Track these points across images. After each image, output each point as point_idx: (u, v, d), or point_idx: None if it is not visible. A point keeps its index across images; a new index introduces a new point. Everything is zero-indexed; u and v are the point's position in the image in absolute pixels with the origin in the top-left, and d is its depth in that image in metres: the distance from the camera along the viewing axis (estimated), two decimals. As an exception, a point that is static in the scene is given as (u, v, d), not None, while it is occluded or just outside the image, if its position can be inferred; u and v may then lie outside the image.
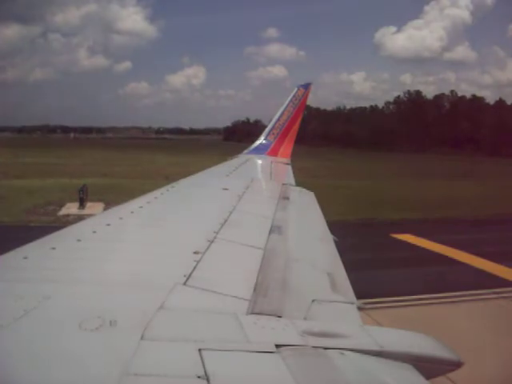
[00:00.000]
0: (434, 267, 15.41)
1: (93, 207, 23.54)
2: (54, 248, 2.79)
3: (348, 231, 15.52)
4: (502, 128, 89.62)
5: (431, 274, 14.49)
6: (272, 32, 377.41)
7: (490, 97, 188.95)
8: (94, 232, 3.20)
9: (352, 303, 2.60)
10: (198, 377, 1.50)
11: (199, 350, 1.67)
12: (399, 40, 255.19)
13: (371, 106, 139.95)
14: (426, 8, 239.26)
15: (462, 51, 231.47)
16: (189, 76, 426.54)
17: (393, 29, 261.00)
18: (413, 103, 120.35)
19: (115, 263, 2.69)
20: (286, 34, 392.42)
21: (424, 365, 1.92)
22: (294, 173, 8.81)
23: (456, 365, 2.06)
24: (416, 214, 24.78)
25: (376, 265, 15.07)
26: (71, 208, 24.10)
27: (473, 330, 9.89)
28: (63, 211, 23.67)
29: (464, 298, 12.39)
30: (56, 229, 3.37)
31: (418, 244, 18.55)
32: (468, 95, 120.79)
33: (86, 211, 22.43)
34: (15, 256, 2.64)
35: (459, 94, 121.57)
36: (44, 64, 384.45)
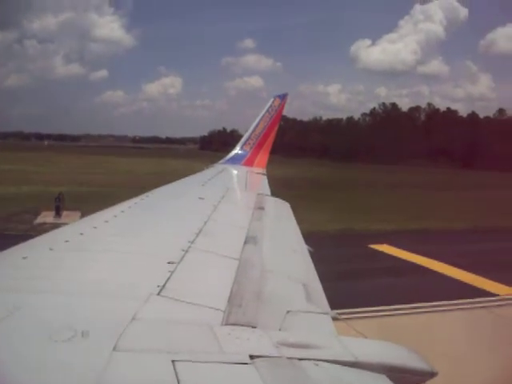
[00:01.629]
0: (410, 277, 15.70)
1: (69, 216, 22.98)
2: (25, 257, 2.73)
3: (326, 241, 15.74)
4: (475, 141, 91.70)
5: (407, 284, 14.73)
6: (249, 43, 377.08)
7: (462, 110, 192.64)
8: (67, 241, 3.14)
9: (327, 314, 2.60)
10: None
11: (173, 361, 1.64)
12: (374, 53, 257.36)
13: (347, 118, 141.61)
14: (401, 22, 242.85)
15: (436, 65, 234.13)
16: (165, 85, 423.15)
17: (368, 42, 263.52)
18: (388, 115, 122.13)
19: (88, 273, 2.63)
20: (263, 45, 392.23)
21: (398, 375, 1.92)
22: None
23: (430, 375, 2.07)
24: (392, 225, 25.16)
25: (355, 275, 15.35)
26: (47, 217, 23.70)
27: (450, 339, 10.03)
28: (39, 220, 23.31)
29: (441, 308, 12.58)
30: (31, 237, 3.31)
31: (395, 254, 19.02)
32: (442, 108, 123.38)
33: (62, 220, 22.02)
34: None
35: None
36: (19, 70, 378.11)
